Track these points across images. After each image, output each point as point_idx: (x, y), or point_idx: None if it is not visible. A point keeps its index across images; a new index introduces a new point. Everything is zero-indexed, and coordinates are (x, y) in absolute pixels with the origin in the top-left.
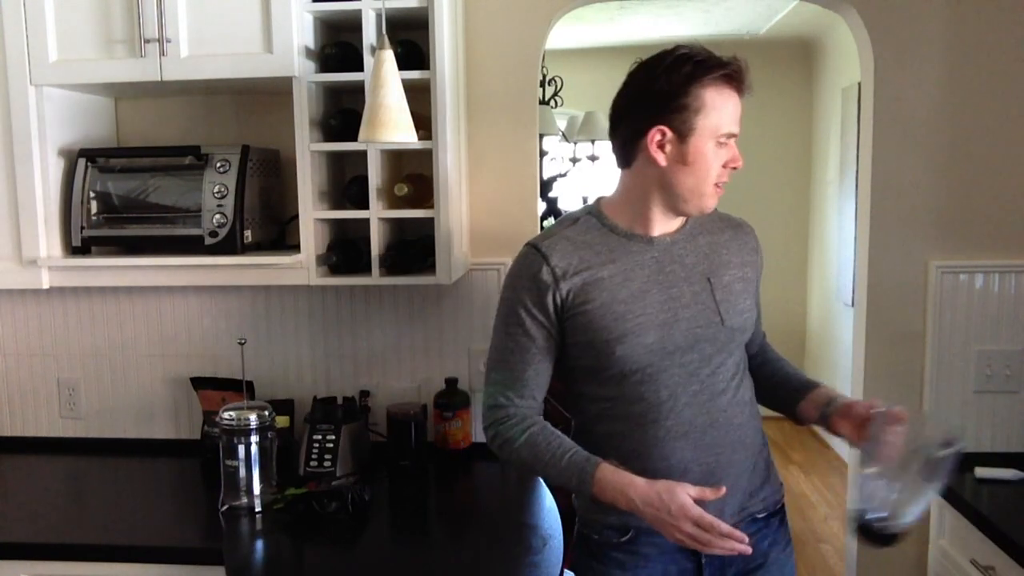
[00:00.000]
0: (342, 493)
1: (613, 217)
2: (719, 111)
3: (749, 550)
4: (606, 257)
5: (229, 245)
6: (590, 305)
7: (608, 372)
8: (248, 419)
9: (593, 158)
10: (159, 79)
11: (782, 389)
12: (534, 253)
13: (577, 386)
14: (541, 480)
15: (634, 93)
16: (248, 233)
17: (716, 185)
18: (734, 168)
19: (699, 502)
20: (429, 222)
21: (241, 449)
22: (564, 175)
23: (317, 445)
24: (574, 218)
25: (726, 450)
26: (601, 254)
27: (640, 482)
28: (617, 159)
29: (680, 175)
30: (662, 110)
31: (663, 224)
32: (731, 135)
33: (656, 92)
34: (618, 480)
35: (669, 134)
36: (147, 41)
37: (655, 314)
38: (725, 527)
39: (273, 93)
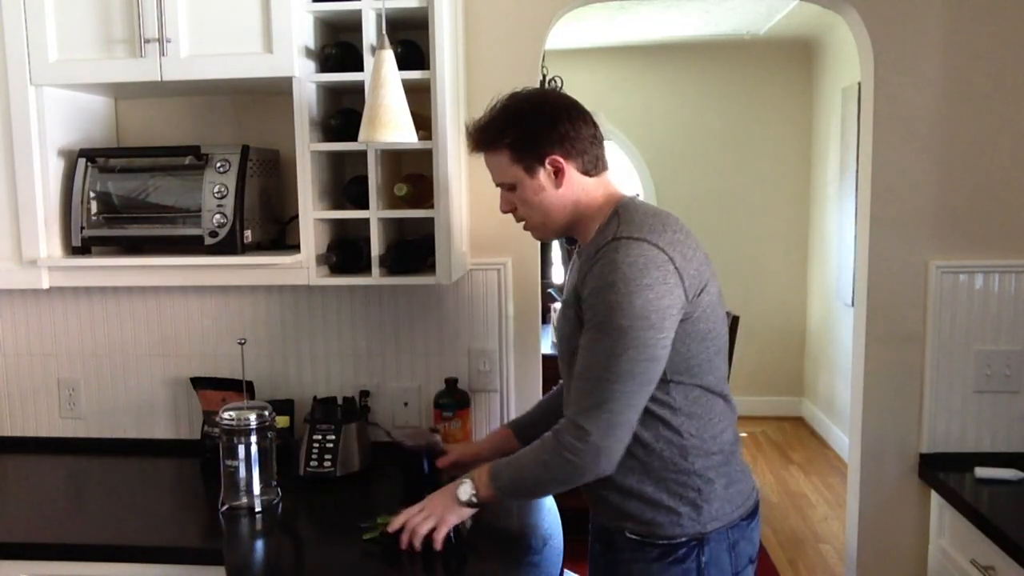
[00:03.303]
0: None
1: None
2: None
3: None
4: None
5: (229, 245)
6: None
7: None
8: (248, 419)
9: None
10: (159, 79)
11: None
12: None
13: None
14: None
15: None
16: (248, 233)
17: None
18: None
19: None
20: (429, 222)
21: (241, 449)
22: None
23: (317, 445)
24: None
25: None
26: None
27: None
28: None
29: None
30: None
31: (580, 239)
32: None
33: None
34: None
35: None
36: (147, 41)
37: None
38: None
39: (273, 93)
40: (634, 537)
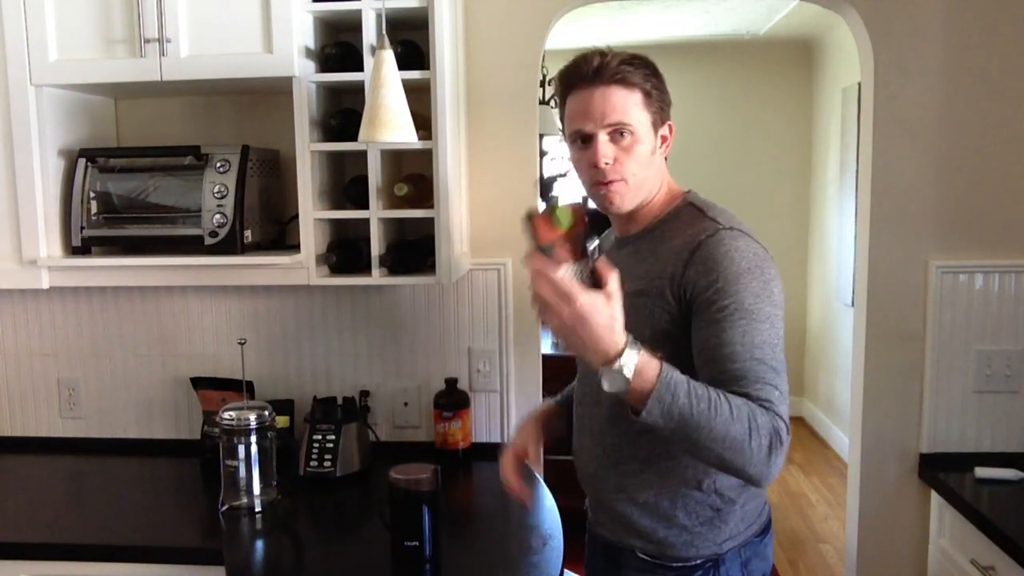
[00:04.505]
0: None
1: None
2: (571, 113)
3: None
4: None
5: (229, 245)
6: None
7: None
8: (248, 419)
9: None
10: (159, 79)
11: None
12: None
13: None
14: (541, 480)
15: None
16: (248, 233)
17: (598, 184)
18: (594, 167)
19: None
20: (429, 222)
21: (241, 449)
22: (564, 175)
23: (317, 445)
24: None
25: (595, 461)
26: (606, 251)
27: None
28: None
29: (578, 175)
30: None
31: (627, 224)
32: (581, 133)
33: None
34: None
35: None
36: (147, 41)
37: None
38: (507, 474)
39: (273, 93)
40: (646, 558)
